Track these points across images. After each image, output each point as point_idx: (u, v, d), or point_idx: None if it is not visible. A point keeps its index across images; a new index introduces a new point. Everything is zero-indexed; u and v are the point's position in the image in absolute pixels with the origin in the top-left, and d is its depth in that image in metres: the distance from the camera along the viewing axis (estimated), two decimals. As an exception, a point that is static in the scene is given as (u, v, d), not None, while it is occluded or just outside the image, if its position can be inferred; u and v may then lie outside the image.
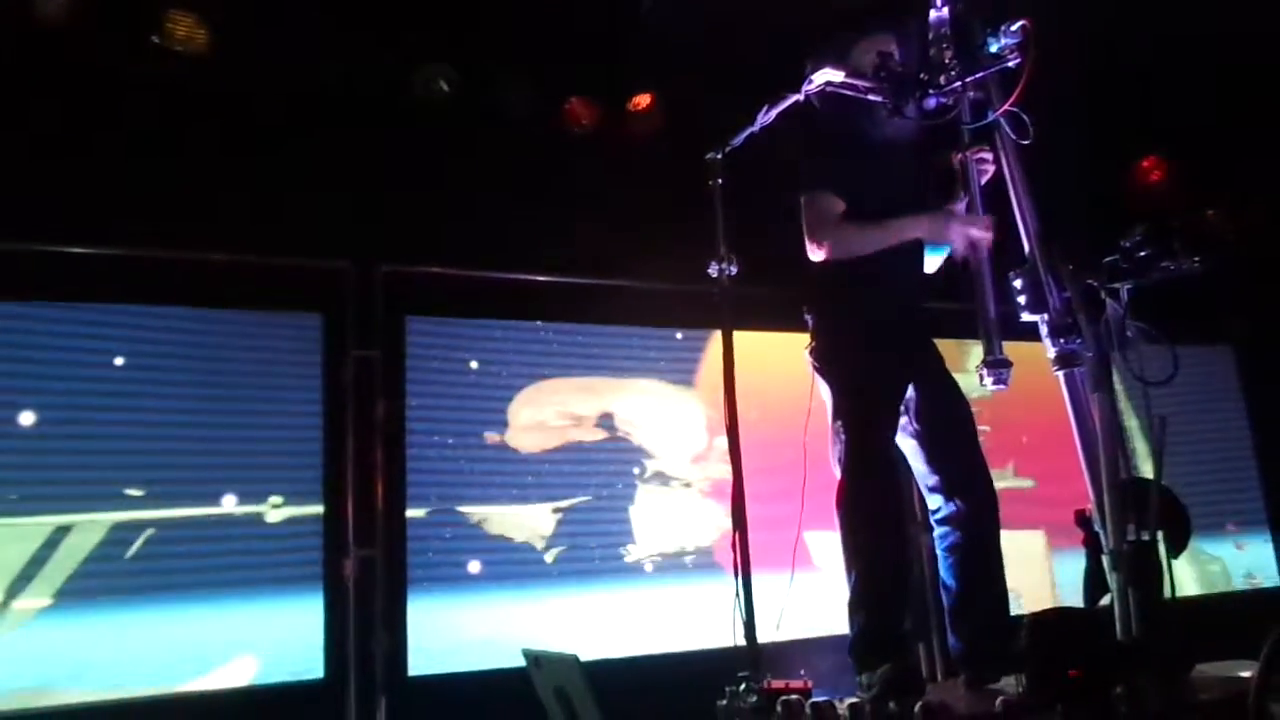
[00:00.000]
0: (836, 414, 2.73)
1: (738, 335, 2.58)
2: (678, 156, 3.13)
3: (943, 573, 2.74)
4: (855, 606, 2.60)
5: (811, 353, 2.84)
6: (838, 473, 2.70)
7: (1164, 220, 2.10)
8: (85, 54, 3.69)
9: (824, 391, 2.80)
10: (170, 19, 3.76)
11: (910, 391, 2.75)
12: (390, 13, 4.06)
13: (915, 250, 2.78)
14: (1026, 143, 2.34)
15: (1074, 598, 4.72)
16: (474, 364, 4.35)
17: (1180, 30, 4.39)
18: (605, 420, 4.52)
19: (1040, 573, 5.08)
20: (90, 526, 3.63)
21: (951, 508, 2.71)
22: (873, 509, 2.63)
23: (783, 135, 2.60)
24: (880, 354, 2.69)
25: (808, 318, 2.89)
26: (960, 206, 2.75)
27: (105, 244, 3.78)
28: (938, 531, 2.76)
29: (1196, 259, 2.04)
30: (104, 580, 3.62)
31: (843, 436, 2.68)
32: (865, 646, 2.54)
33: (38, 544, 3.56)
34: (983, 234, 2.56)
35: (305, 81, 4.00)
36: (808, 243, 2.77)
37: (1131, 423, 4.13)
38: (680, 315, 4.61)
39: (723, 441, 2.65)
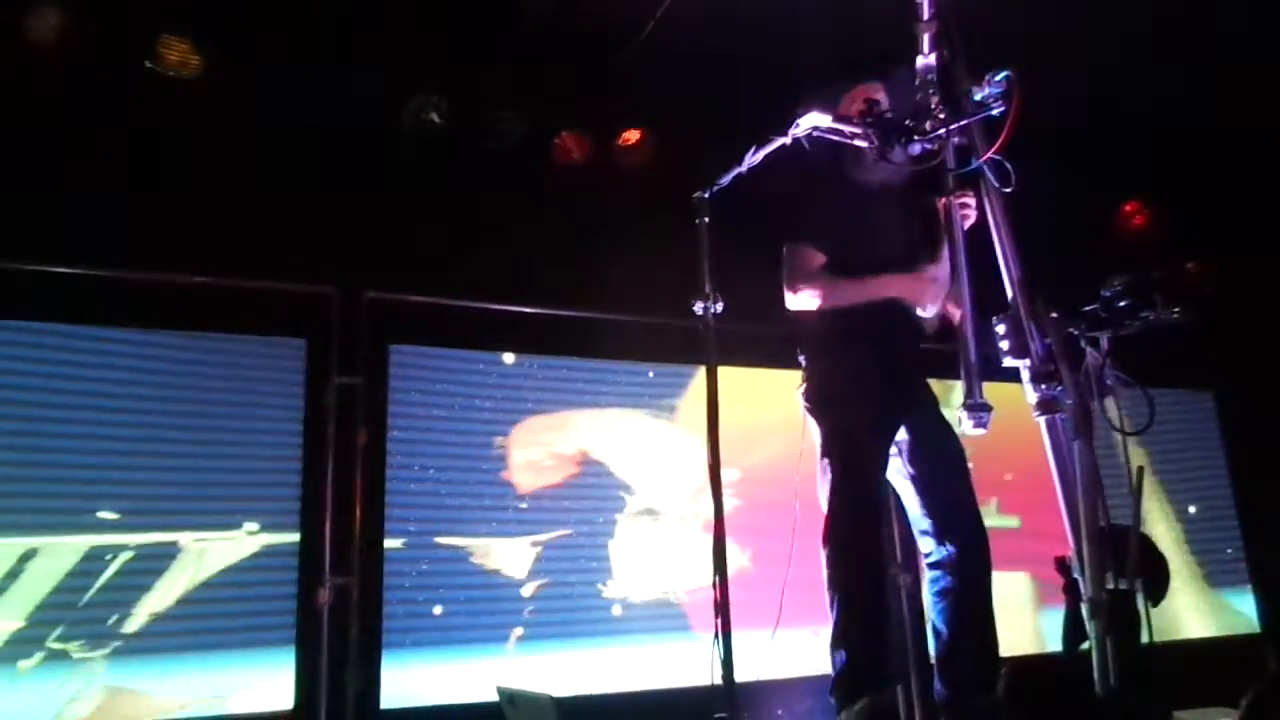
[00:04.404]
0: (824, 452, 2.74)
1: (724, 370, 2.57)
2: (667, 192, 3.15)
3: (934, 618, 2.74)
4: (836, 643, 2.61)
5: (804, 394, 2.86)
6: (824, 509, 2.70)
7: (1144, 271, 2.12)
8: (76, 76, 3.68)
9: (815, 432, 2.81)
10: (163, 44, 3.77)
11: (903, 433, 2.77)
12: (382, 43, 4.08)
13: None
14: (1009, 190, 2.37)
15: (1057, 643, 4.66)
16: (457, 394, 4.34)
17: (1172, 80, 4.46)
18: (588, 455, 4.50)
19: (1025, 618, 5.00)
20: (60, 550, 3.57)
21: (944, 552, 2.73)
22: (856, 547, 2.63)
23: (769, 177, 2.62)
24: (870, 396, 2.70)
25: (800, 358, 2.90)
26: (944, 255, 2.78)
27: (86, 264, 3.75)
28: (929, 575, 2.77)
29: (1176, 310, 2.06)
30: (74, 599, 3.55)
31: (829, 475, 2.69)
32: (845, 683, 2.53)
33: (5, 567, 3.50)
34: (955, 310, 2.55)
35: (295, 108, 4.00)
36: (786, 291, 2.81)
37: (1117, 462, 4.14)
38: (667, 349, 4.60)
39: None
